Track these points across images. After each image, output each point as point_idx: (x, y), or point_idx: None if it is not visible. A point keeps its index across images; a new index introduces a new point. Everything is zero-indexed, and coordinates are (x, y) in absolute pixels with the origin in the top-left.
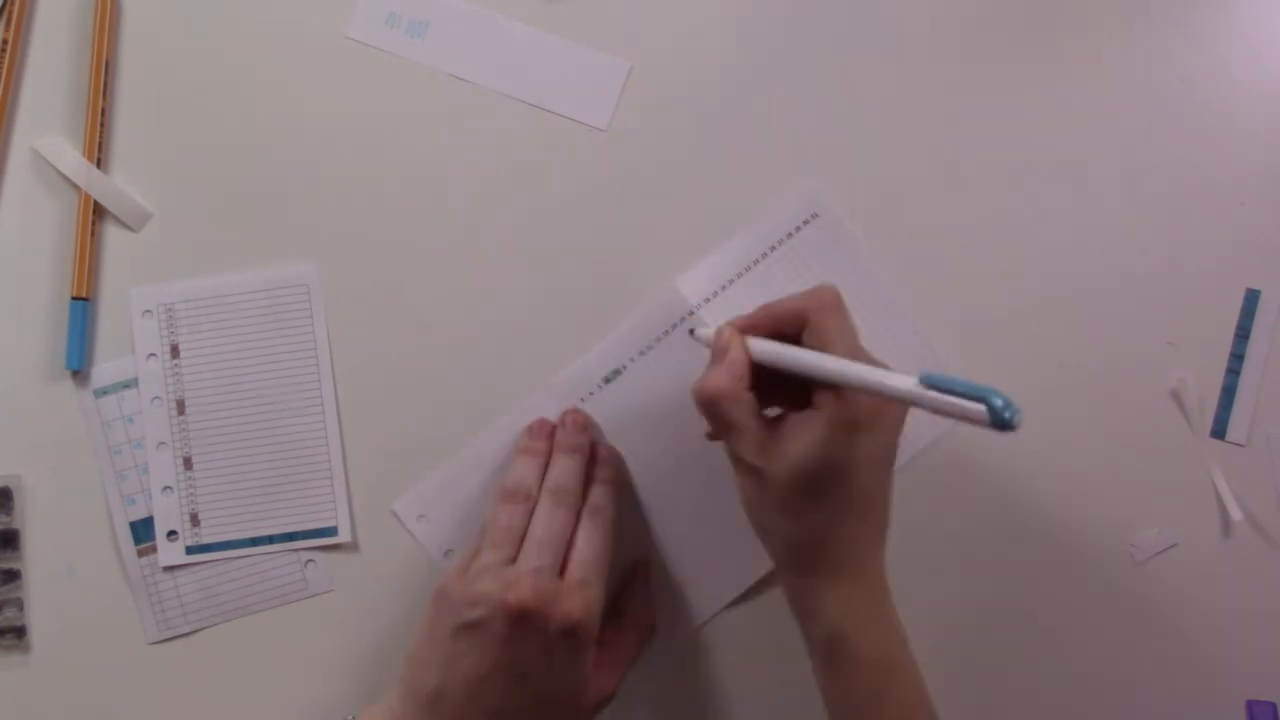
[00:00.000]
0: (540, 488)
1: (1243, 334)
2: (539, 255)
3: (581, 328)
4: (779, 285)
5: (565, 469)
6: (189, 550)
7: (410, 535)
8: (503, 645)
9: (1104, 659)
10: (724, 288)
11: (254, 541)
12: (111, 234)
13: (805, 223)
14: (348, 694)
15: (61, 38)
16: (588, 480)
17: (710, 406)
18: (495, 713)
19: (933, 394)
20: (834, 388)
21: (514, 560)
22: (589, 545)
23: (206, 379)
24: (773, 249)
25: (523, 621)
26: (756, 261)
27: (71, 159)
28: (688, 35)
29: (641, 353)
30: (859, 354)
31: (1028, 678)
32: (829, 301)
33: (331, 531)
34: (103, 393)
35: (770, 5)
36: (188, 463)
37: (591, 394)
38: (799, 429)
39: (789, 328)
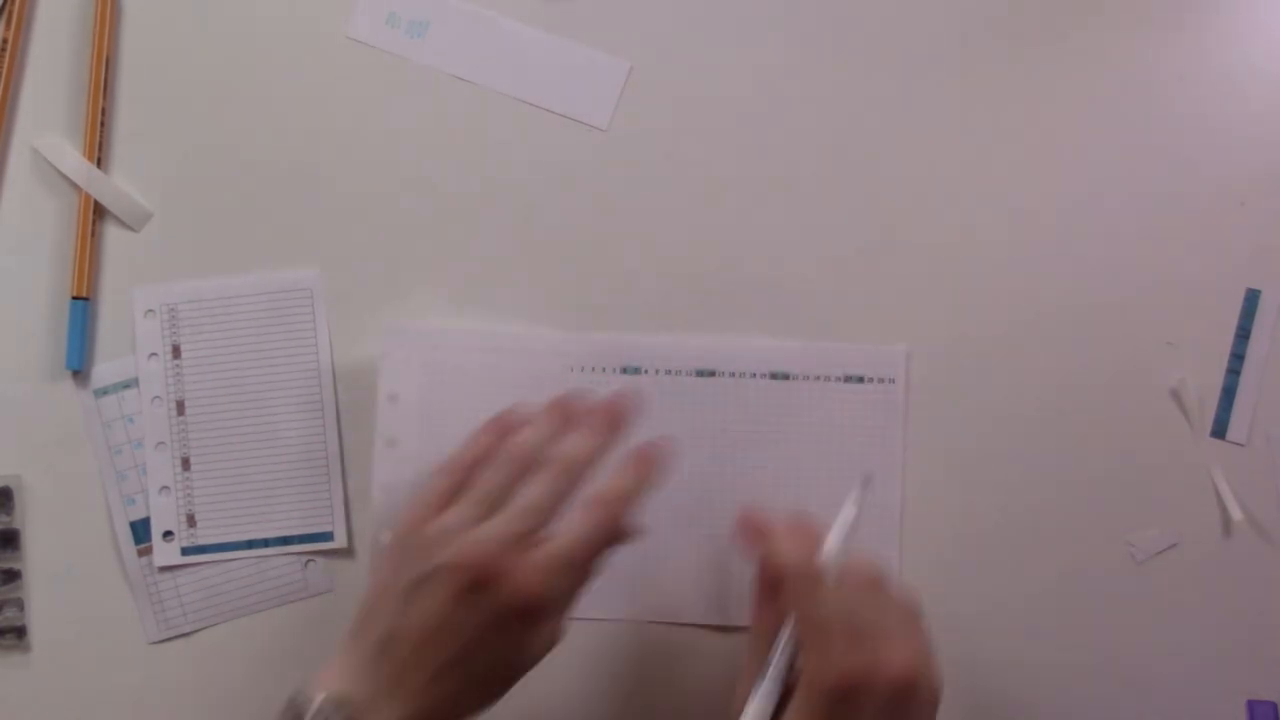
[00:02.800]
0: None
1: (1243, 334)
2: (539, 256)
3: (581, 331)
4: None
5: (585, 440)
6: (184, 551)
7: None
8: (452, 605)
9: (1104, 659)
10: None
11: (250, 544)
12: (111, 234)
13: (879, 380)
14: None
15: (61, 37)
16: (621, 463)
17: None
18: (439, 670)
19: None
20: None
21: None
22: (580, 531)
23: (207, 380)
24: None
25: (473, 587)
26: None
27: (71, 159)
28: (688, 35)
29: None
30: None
31: (1028, 677)
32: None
33: (327, 537)
34: (103, 392)
35: (772, 4)
36: (185, 464)
37: None
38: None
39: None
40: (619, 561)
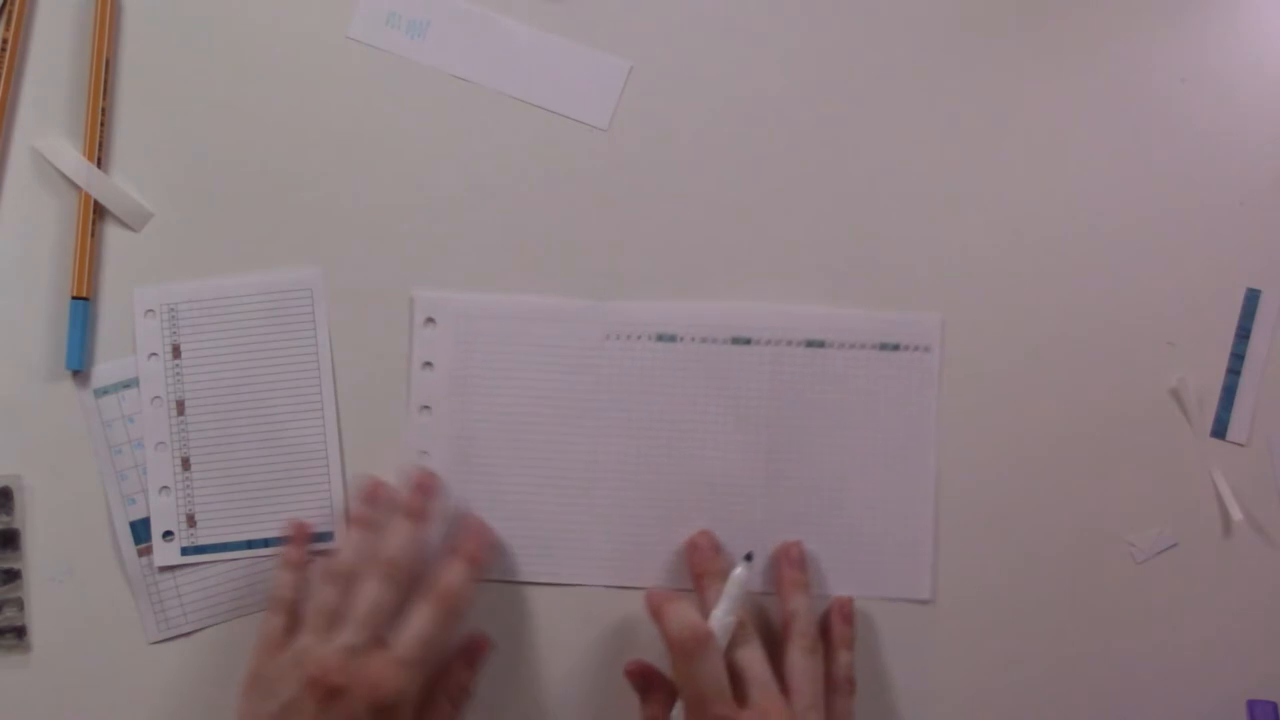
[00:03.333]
0: (370, 562)
1: (1243, 334)
2: (539, 256)
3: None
4: (838, 375)
5: (400, 541)
6: (184, 551)
7: None
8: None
9: (1104, 659)
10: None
11: (249, 544)
12: (111, 234)
13: (914, 348)
14: None
15: (62, 37)
16: (448, 550)
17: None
18: None
19: None
20: None
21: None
22: (424, 625)
23: (207, 380)
24: (860, 346)
25: (331, 699)
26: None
27: (71, 158)
28: (688, 35)
29: None
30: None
31: (1028, 676)
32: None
33: (327, 537)
34: (103, 392)
35: (772, 3)
36: (185, 464)
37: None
38: None
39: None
40: (663, 530)
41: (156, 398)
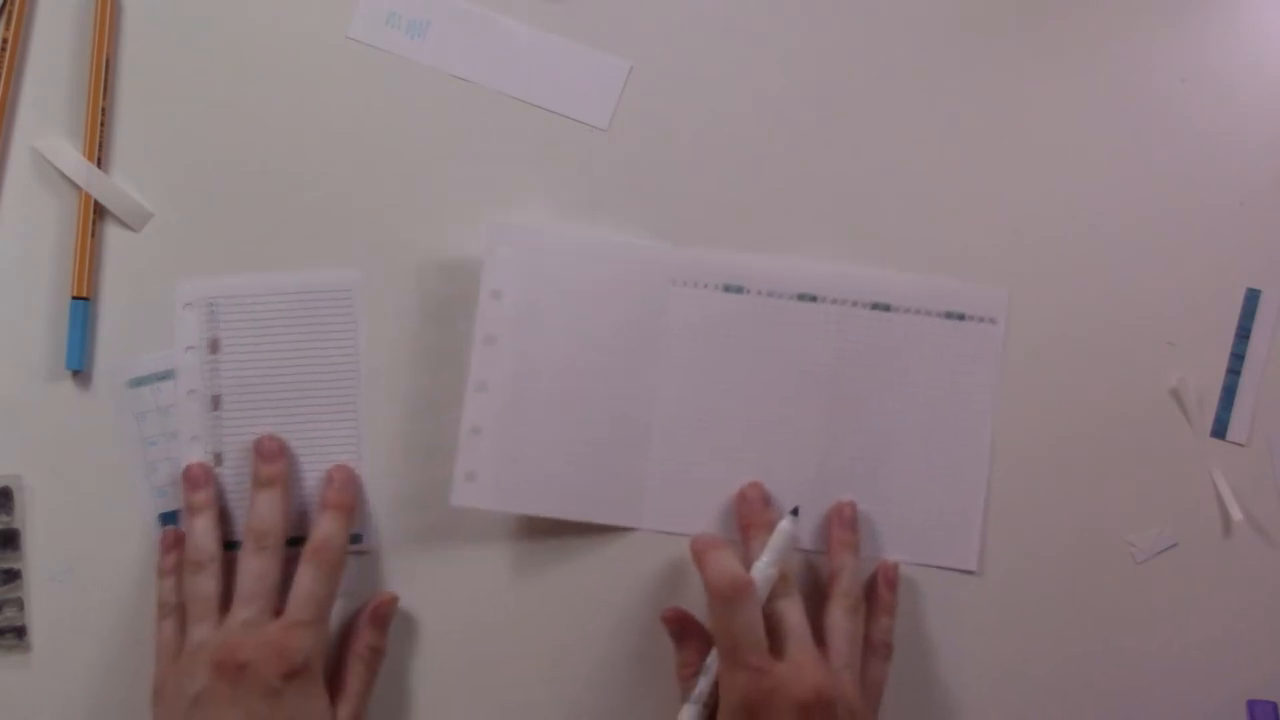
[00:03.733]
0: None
1: (1243, 334)
2: None
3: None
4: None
5: (260, 510)
6: None
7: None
8: (232, 705)
9: (1104, 659)
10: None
11: None
12: (111, 234)
13: (980, 319)
14: None
15: (62, 37)
16: (318, 506)
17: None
18: None
19: None
20: None
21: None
22: (309, 584)
23: (243, 376)
24: (925, 313)
25: (241, 676)
26: (909, 310)
27: (72, 158)
28: (688, 35)
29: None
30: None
31: (1026, 677)
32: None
33: (356, 539)
34: (138, 383)
35: (772, 3)
36: (218, 459)
37: None
38: None
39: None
40: (715, 479)
41: (192, 391)
